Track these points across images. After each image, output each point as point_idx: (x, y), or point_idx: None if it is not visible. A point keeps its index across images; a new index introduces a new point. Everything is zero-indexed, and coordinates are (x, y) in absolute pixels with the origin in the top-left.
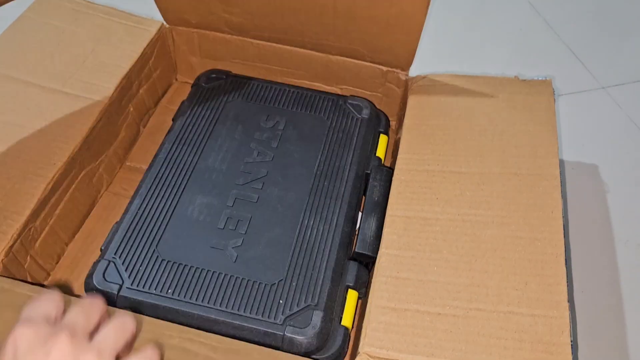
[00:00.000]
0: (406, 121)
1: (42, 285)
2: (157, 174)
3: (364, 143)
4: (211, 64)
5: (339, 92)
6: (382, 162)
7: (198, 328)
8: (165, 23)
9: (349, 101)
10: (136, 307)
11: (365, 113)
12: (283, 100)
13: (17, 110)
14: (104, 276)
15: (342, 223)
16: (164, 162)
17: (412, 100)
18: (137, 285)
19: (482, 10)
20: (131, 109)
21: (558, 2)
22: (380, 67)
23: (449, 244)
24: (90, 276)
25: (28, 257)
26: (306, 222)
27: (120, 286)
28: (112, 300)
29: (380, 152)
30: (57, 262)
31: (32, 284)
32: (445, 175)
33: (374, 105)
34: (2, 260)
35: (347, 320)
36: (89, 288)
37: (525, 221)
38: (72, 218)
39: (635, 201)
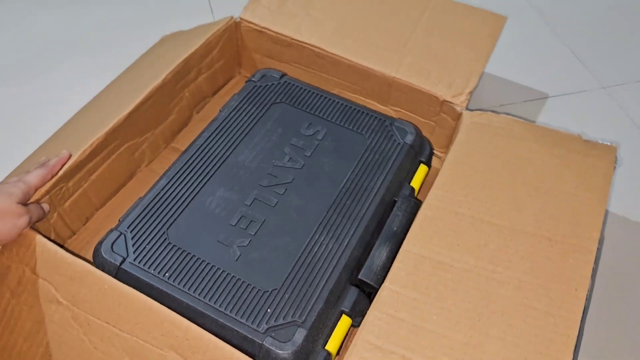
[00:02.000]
0: (449, 156)
1: (62, 246)
2: (188, 159)
3: (400, 169)
4: (272, 64)
5: (392, 113)
6: (416, 192)
7: (184, 316)
8: (236, 18)
9: (396, 123)
10: (134, 283)
11: (409, 139)
12: (329, 111)
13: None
14: (112, 246)
15: (353, 245)
16: (198, 149)
17: (461, 136)
18: (139, 262)
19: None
20: (187, 94)
21: (558, 2)
22: (438, 95)
23: (457, 294)
24: (100, 243)
25: (55, 214)
26: (317, 236)
27: (124, 259)
28: (114, 270)
29: (416, 182)
30: (84, 224)
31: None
32: (474, 221)
33: (420, 133)
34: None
35: (332, 345)
36: (96, 254)
37: (544, 292)
38: (107, 186)
39: (636, 200)
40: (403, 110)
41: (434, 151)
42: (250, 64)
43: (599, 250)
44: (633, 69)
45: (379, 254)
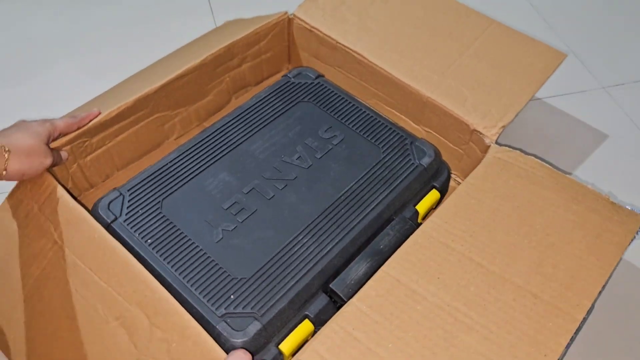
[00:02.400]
0: (460, 187)
1: (75, 199)
2: (203, 139)
3: (407, 189)
4: (317, 64)
5: (423, 134)
6: (421, 217)
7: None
8: (291, 14)
9: (416, 143)
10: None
11: (425, 161)
12: (353, 118)
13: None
14: (109, 204)
15: (335, 253)
16: (215, 130)
17: (480, 169)
18: (128, 225)
19: (482, 10)
20: (227, 78)
21: (558, 2)
22: (469, 123)
23: (420, 329)
24: (100, 199)
25: (75, 165)
26: (301, 237)
27: (115, 219)
28: (104, 227)
29: (423, 206)
30: (103, 181)
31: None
32: (462, 259)
33: (440, 157)
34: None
35: (286, 346)
36: (94, 209)
37: (511, 350)
38: (132, 149)
39: (636, 200)
40: (434, 133)
41: (458, 180)
42: (299, 61)
43: (584, 319)
44: (633, 69)
45: (357, 268)
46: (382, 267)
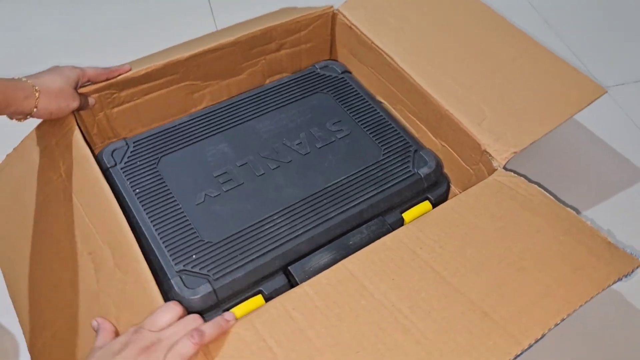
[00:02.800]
0: (449, 201)
1: (90, 149)
2: (217, 109)
3: (396, 195)
4: (353, 62)
5: (438, 147)
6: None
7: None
8: (337, 10)
9: (420, 152)
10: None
11: (424, 171)
12: (364, 117)
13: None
14: (113, 151)
15: (303, 240)
16: (230, 104)
17: (476, 188)
18: (123, 172)
19: None
20: (263, 61)
21: (558, 2)
22: (481, 143)
23: (357, 321)
24: (109, 144)
25: (102, 113)
26: (275, 217)
27: (114, 165)
28: (103, 170)
29: (410, 214)
30: (127, 134)
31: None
32: (423, 266)
33: (441, 169)
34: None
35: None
36: (99, 153)
37: (439, 358)
38: (158, 110)
39: (636, 200)
40: (448, 147)
41: None
42: (338, 56)
43: (530, 346)
44: (633, 69)
45: (319, 258)
46: (342, 260)
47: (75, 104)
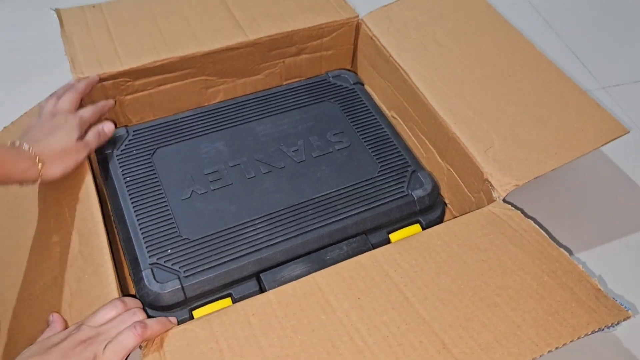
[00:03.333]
0: (436, 227)
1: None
2: (220, 107)
3: (384, 214)
4: (372, 74)
5: (443, 170)
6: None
7: (115, 217)
8: (361, 19)
9: (418, 173)
10: (104, 173)
11: (418, 193)
12: (367, 131)
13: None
14: (115, 136)
15: (280, 249)
16: (235, 103)
17: (467, 217)
18: (118, 160)
19: None
20: (282, 63)
21: (558, 2)
22: (484, 171)
23: (311, 335)
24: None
25: (116, 101)
26: (257, 222)
27: (111, 152)
28: (100, 157)
29: (396, 236)
30: (138, 121)
31: None
32: (393, 289)
33: (437, 193)
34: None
35: (199, 313)
36: None
37: None
38: (171, 102)
39: (636, 201)
40: (453, 172)
41: None
42: (358, 66)
43: None
44: (633, 69)
45: (292, 269)
46: (311, 275)
47: (82, 155)
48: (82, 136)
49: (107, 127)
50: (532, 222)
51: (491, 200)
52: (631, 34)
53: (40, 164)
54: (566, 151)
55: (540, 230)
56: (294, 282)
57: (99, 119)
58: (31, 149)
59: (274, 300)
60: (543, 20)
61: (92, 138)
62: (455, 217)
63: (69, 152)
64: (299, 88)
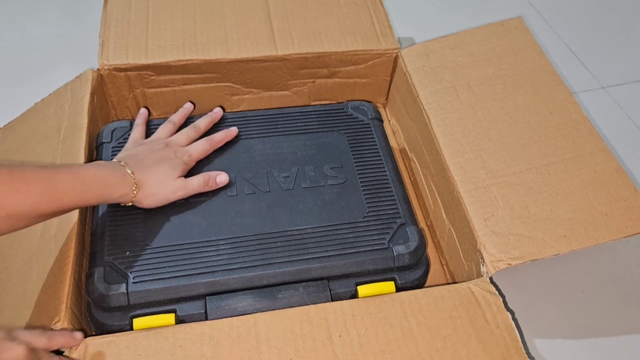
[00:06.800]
0: (402, 293)
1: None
2: (229, 118)
3: (356, 265)
4: (400, 110)
5: (446, 227)
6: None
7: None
8: (400, 52)
9: (407, 228)
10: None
11: (398, 249)
12: (369, 172)
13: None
14: (114, 129)
15: (237, 275)
16: (244, 116)
17: (439, 289)
18: (111, 151)
19: (482, 10)
20: (311, 83)
21: (558, 2)
22: (479, 242)
23: None
24: (113, 122)
25: (139, 90)
26: (222, 243)
27: (108, 142)
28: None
29: (365, 290)
30: (159, 115)
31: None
32: (328, 356)
33: (421, 254)
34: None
35: (139, 322)
36: (104, 126)
37: None
38: (196, 102)
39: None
40: (454, 233)
41: None
42: (389, 100)
43: None
44: (633, 69)
45: (240, 299)
46: (258, 313)
47: (177, 195)
48: (184, 173)
49: (220, 179)
50: (509, 316)
51: (479, 274)
52: (631, 33)
53: (136, 191)
54: (577, 236)
55: (515, 330)
56: (235, 318)
57: (209, 149)
58: (134, 174)
59: (207, 334)
60: (543, 20)
61: (198, 183)
62: (448, 282)
63: (164, 188)
64: (312, 113)
